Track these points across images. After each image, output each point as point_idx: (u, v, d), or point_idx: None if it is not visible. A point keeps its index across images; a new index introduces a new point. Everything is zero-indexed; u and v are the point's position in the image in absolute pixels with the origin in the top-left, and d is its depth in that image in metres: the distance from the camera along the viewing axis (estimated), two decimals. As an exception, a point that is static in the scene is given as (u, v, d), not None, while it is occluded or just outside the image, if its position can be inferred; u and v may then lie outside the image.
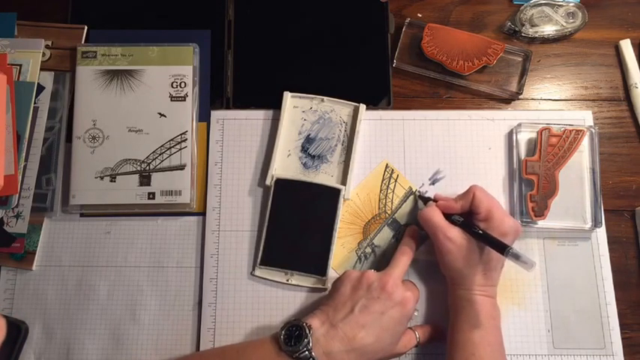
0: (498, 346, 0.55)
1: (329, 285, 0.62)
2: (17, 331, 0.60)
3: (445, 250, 0.56)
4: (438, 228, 0.57)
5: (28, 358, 0.61)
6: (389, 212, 0.65)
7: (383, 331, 0.53)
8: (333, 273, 0.62)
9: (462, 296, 0.56)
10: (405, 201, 0.65)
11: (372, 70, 0.69)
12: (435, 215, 0.58)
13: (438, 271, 0.60)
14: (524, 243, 0.64)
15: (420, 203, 0.64)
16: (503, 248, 0.53)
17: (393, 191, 0.65)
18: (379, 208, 0.65)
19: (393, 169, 0.66)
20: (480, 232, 0.56)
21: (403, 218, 0.64)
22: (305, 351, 0.50)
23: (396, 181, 0.65)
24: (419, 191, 0.65)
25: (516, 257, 0.52)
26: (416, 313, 0.59)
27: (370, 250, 0.63)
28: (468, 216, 0.58)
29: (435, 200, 0.61)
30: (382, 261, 0.63)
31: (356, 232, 0.64)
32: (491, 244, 0.55)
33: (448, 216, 0.58)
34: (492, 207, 0.57)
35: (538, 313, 0.62)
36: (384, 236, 0.64)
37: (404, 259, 0.58)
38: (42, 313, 0.62)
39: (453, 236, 0.56)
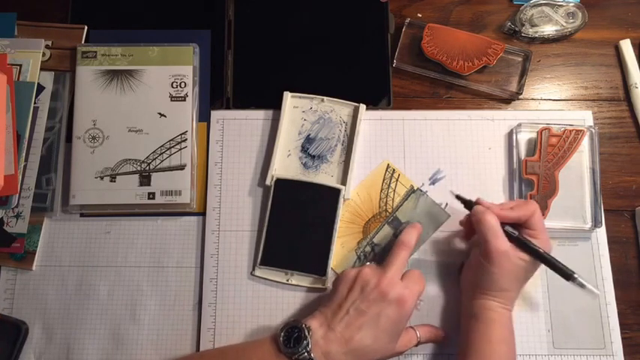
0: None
1: (329, 285, 0.62)
2: (17, 331, 0.60)
3: (491, 260, 0.54)
4: (495, 234, 0.54)
5: (28, 358, 0.61)
6: (389, 210, 0.65)
7: (380, 331, 0.52)
8: (332, 273, 0.62)
9: (490, 309, 0.55)
10: (407, 199, 0.65)
11: (372, 70, 0.69)
12: (492, 219, 0.55)
13: (447, 273, 0.60)
14: (524, 243, 0.64)
15: (454, 203, 0.62)
16: (568, 274, 0.53)
17: (394, 190, 0.65)
18: (380, 206, 0.65)
19: (394, 169, 0.66)
20: (542, 252, 0.54)
21: (404, 216, 0.64)
22: (304, 352, 0.50)
23: (397, 180, 0.65)
24: (457, 194, 0.61)
25: (582, 286, 0.52)
26: (421, 304, 0.59)
27: (370, 249, 0.63)
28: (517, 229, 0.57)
29: (478, 203, 0.59)
30: (382, 260, 0.62)
31: (356, 231, 0.64)
32: (554, 267, 0.54)
33: (502, 225, 0.56)
34: (544, 229, 0.56)
35: (538, 313, 0.62)
36: (384, 235, 0.64)
37: (402, 254, 0.57)
38: (42, 313, 0.62)
39: (507, 249, 0.54)
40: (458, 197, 0.60)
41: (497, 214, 0.56)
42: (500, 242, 0.54)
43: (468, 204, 0.59)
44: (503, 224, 0.56)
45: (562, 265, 0.54)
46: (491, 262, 0.54)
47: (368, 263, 0.60)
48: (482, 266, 0.55)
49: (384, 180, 0.65)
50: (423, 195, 0.65)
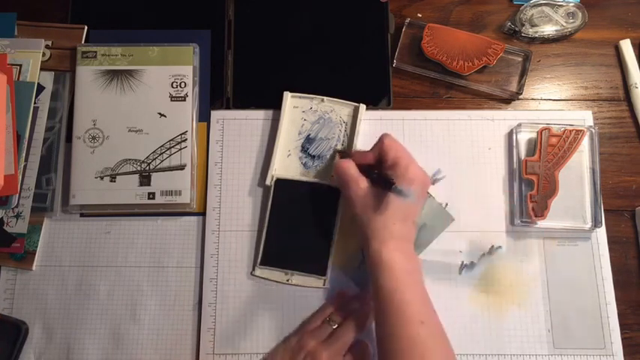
0: (420, 302, 0.53)
1: (329, 284, 0.62)
2: (17, 331, 0.60)
3: (353, 198, 0.56)
4: (350, 178, 0.57)
5: (28, 358, 0.61)
6: None
7: None
8: (336, 271, 0.62)
9: (374, 254, 0.54)
10: None
11: (372, 70, 0.69)
12: (349, 167, 0.57)
13: (446, 273, 0.60)
14: (525, 243, 0.64)
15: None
16: (390, 184, 0.53)
17: None
18: None
19: None
20: (374, 174, 0.56)
21: None
22: None
23: None
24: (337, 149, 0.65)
25: (399, 192, 0.53)
26: None
27: None
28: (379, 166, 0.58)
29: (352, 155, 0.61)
30: None
31: (360, 231, 0.64)
32: (380, 182, 0.55)
33: (363, 170, 0.58)
34: (400, 156, 0.56)
35: (538, 313, 0.62)
36: None
37: (350, 335, 0.56)
38: (42, 313, 0.62)
39: (363, 185, 0.56)
40: (338, 151, 0.65)
41: (357, 158, 0.59)
42: (354, 180, 0.56)
43: (341, 153, 0.63)
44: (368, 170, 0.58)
45: (385, 176, 0.54)
46: (351, 203, 0.57)
47: (335, 326, 0.58)
48: (352, 212, 0.57)
49: None
50: (429, 197, 0.64)
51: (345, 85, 0.68)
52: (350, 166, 0.58)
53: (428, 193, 0.65)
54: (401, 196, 0.53)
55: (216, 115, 0.68)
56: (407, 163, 0.56)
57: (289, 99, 0.67)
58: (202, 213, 0.65)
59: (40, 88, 0.67)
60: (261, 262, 0.62)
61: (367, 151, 0.60)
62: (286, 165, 0.65)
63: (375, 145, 0.59)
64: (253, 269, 0.63)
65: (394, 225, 0.54)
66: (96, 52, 0.67)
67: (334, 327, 0.57)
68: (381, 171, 0.57)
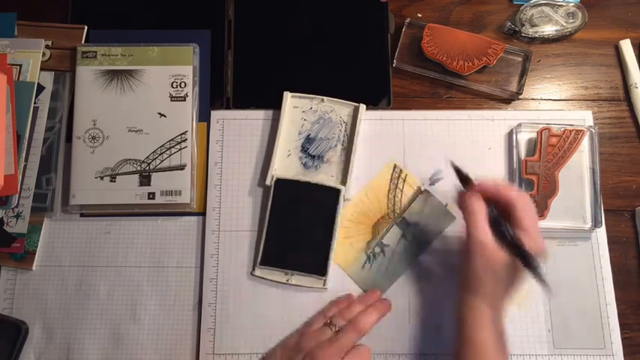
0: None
1: (329, 285, 0.62)
2: (17, 331, 0.60)
3: (470, 249, 0.52)
4: (474, 223, 0.52)
5: (28, 358, 0.61)
6: (398, 212, 0.64)
7: None
8: (340, 272, 0.63)
9: (479, 310, 0.52)
10: (415, 200, 0.65)
11: (372, 70, 0.69)
12: (476, 205, 0.52)
13: (448, 274, 0.60)
14: (524, 243, 0.64)
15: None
16: (530, 263, 0.49)
17: (402, 191, 0.65)
18: (388, 207, 0.65)
19: (401, 170, 0.66)
20: (508, 238, 0.51)
21: (412, 217, 0.64)
22: None
23: (404, 180, 0.65)
24: (454, 165, 0.57)
25: (541, 279, 0.49)
26: None
27: (379, 250, 0.63)
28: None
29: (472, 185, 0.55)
30: (391, 260, 0.63)
31: (365, 231, 0.64)
32: (519, 254, 0.50)
33: (492, 212, 0.53)
34: (533, 221, 0.52)
35: (538, 313, 0.62)
36: (393, 235, 0.64)
37: (352, 335, 0.56)
38: (42, 313, 0.62)
39: (484, 240, 0.51)
40: (457, 170, 0.56)
41: (483, 191, 0.54)
42: (479, 232, 0.51)
43: (465, 180, 0.56)
44: (493, 209, 0.53)
45: (527, 252, 0.50)
46: (470, 252, 0.52)
47: (336, 329, 0.58)
48: (463, 255, 0.54)
49: (391, 180, 0.65)
50: (430, 197, 0.64)
51: (345, 85, 0.68)
52: (483, 211, 0.52)
53: (428, 192, 0.65)
54: (538, 280, 0.49)
55: (216, 115, 0.68)
56: (538, 232, 0.51)
57: (289, 99, 0.67)
58: (202, 213, 0.65)
59: (40, 88, 0.67)
60: (261, 262, 0.62)
61: (489, 185, 0.54)
62: (286, 165, 0.65)
63: (500, 186, 0.54)
64: (253, 269, 0.63)
65: (497, 286, 0.52)
66: (96, 52, 0.67)
67: (335, 330, 0.57)
68: (511, 232, 0.52)
